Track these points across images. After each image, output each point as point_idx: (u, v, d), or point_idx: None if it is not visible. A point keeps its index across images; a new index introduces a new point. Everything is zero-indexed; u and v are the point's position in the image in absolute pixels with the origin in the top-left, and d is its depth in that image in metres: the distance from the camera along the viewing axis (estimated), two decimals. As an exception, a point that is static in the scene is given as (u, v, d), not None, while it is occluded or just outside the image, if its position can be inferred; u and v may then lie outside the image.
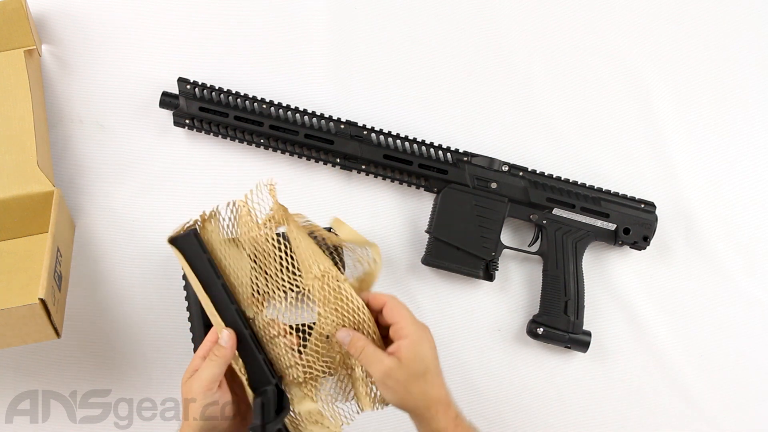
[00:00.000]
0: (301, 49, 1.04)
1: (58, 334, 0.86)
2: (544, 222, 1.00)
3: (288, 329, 0.77)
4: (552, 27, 1.07)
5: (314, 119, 0.99)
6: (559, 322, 0.98)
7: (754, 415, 1.03)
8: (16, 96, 0.93)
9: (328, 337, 0.76)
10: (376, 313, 0.77)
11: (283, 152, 0.99)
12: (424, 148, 0.99)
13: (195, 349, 0.94)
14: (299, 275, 0.77)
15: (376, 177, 1.00)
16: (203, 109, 0.97)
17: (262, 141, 0.98)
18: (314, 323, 0.76)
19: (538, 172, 1.00)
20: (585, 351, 0.99)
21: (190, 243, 0.78)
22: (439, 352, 1.00)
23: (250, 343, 0.77)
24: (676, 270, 1.04)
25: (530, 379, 1.02)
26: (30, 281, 0.89)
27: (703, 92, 1.08)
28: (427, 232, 0.99)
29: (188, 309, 0.95)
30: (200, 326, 0.95)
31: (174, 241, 0.79)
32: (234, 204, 0.79)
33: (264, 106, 0.98)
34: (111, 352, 0.98)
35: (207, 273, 0.77)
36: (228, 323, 0.76)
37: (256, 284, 0.78)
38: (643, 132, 1.06)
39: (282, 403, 0.77)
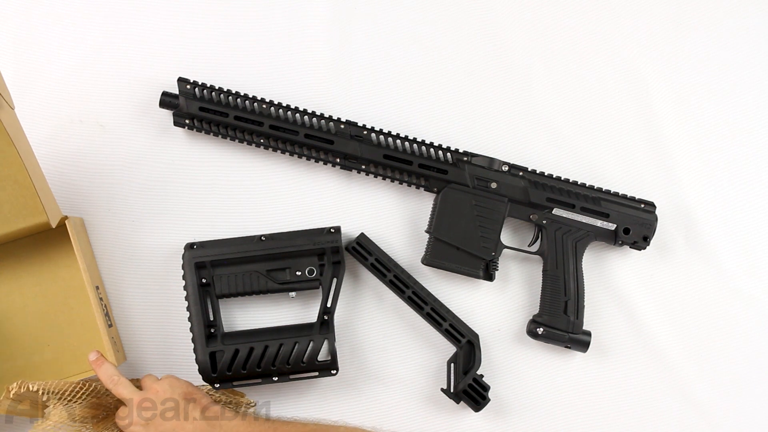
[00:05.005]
0: (302, 49, 1.04)
1: (125, 358, 0.98)
2: (544, 222, 1.00)
3: None
4: (552, 27, 1.07)
5: (314, 119, 0.99)
6: (559, 322, 0.98)
7: (754, 415, 1.03)
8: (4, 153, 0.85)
9: None
10: None
11: (283, 152, 0.99)
12: (424, 148, 0.99)
13: (195, 349, 0.94)
14: None
15: (376, 177, 1.00)
16: (203, 109, 0.97)
17: (262, 141, 0.98)
18: None
19: (538, 172, 1.00)
20: (585, 351, 0.99)
21: (366, 244, 0.98)
22: (438, 351, 1.00)
23: (434, 315, 0.98)
24: (676, 270, 1.04)
25: (530, 379, 1.02)
26: (77, 297, 0.97)
27: (703, 92, 1.08)
28: (427, 232, 0.99)
29: (188, 309, 0.95)
30: (200, 326, 0.95)
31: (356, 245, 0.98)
32: None
33: (264, 106, 0.98)
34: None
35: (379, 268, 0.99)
36: (408, 303, 0.98)
37: None
38: (643, 132, 1.06)
39: (471, 363, 0.97)
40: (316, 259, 0.97)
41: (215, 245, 0.97)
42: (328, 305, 0.97)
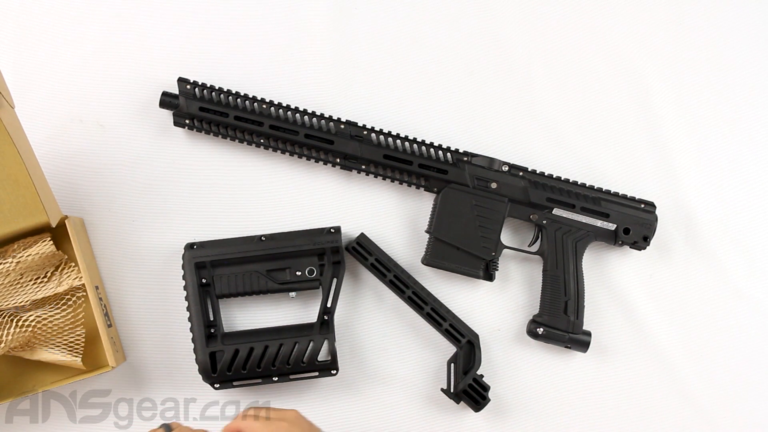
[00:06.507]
0: (302, 49, 1.04)
1: (124, 358, 0.99)
2: (544, 222, 1.00)
3: None
4: (552, 27, 1.07)
5: (314, 119, 0.99)
6: (559, 322, 0.98)
7: (754, 415, 1.03)
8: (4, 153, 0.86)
9: None
10: None
11: (283, 152, 0.99)
12: (424, 148, 0.99)
13: (195, 349, 0.94)
14: None
15: (376, 177, 1.00)
16: (203, 109, 0.97)
17: (262, 141, 0.98)
18: None
19: (538, 172, 1.00)
20: (585, 351, 0.99)
21: (367, 244, 0.99)
22: (438, 351, 1.00)
23: (434, 315, 0.98)
24: (676, 270, 1.04)
25: (530, 379, 1.02)
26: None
27: (703, 92, 1.08)
28: (427, 232, 0.99)
29: (188, 309, 0.95)
30: (200, 326, 0.95)
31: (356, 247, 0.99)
32: None
33: (264, 106, 0.98)
34: (111, 352, 0.98)
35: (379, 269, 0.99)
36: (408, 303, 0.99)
37: None
38: (643, 132, 1.06)
39: (472, 363, 0.97)
40: (316, 259, 0.97)
41: (215, 245, 0.97)
42: (328, 305, 0.97)
